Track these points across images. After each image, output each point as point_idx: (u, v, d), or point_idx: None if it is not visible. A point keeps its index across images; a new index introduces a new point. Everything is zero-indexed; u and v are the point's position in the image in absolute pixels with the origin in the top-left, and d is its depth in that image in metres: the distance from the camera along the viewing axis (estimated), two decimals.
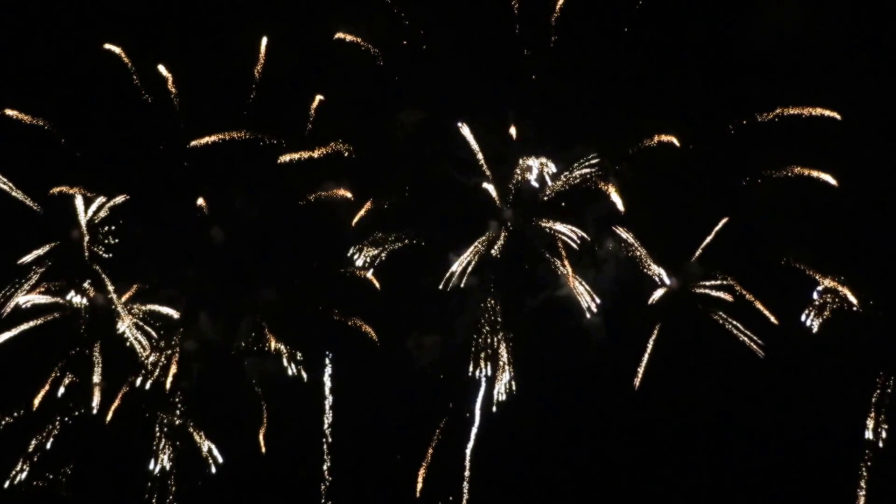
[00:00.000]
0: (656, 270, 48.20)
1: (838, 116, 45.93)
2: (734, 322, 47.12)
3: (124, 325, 49.20)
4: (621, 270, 49.37)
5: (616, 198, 48.68)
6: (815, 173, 46.65)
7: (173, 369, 49.02)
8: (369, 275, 50.27)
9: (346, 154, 50.65)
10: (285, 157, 50.01)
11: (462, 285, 48.58)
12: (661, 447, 48.95)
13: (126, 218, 50.71)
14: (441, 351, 49.82)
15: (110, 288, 49.62)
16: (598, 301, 47.89)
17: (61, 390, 48.86)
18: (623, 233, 48.95)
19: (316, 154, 50.29)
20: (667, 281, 48.05)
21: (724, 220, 47.55)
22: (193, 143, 49.70)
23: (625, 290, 49.20)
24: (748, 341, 46.73)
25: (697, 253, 48.14)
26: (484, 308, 49.32)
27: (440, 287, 48.66)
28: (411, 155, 51.78)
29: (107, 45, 49.30)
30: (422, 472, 48.01)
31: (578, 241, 48.50)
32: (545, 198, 50.03)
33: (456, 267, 48.70)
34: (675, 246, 48.63)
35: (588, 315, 47.95)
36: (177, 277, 50.66)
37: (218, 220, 50.98)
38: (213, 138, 49.69)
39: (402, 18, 51.68)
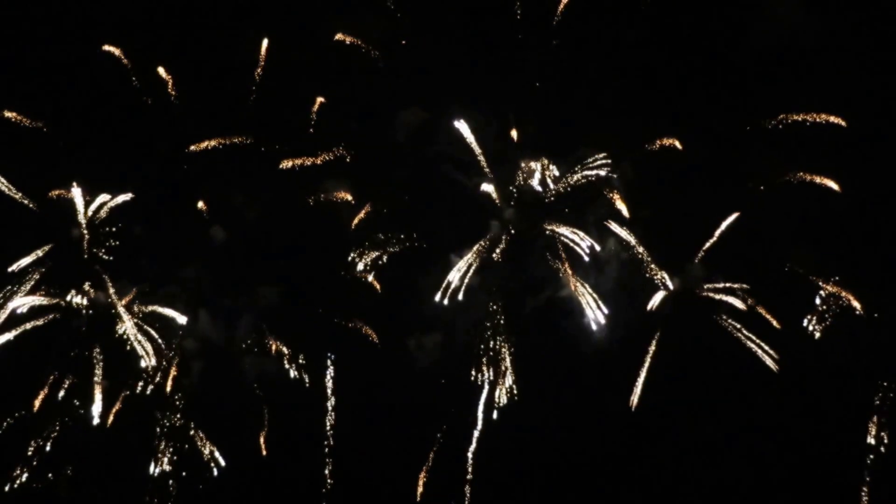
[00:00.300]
0: (659, 274, 47.99)
1: (843, 123, 45.78)
2: (739, 326, 46.90)
3: (125, 327, 48.96)
4: (624, 273, 49.12)
5: (619, 201, 48.46)
6: (818, 179, 46.50)
7: (174, 371, 48.85)
8: (370, 277, 50.09)
9: (347, 159, 50.46)
10: (287, 163, 49.82)
11: (461, 297, 48.29)
12: (663, 450, 48.73)
13: (126, 219, 50.47)
14: (443, 353, 49.62)
15: (111, 289, 49.35)
16: (604, 311, 47.61)
17: (61, 393, 48.55)
18: (626, 234, 48.72)
19: (318, 158, 50.12)
20: (670, 285, 47.86)
21: (732, 217, 47.26)
22: (193, 147, 49.51)
23: (628, 293, 48.92)
24: (761, 353, 46.47)
25: (700, 256, 47.93)
26: (486, 310, 49.13)
27: (437, 299, 48.30)
28: (412, 156, 51.65)
29: (106, 47, 49.09)
30: (422, 475, 47.85)
31: (586, 250, 48.24)
32: (547, 199, 49.82)
33: (455, 274, 48.43)
34: (677, 249, 48.40)
35: (594, 327, 47.71)
36: (177, 278, 50.37)
37: (218, 221, 50.79)
38: (214, 142, 49.50)
39: (403, 19, 51.49)
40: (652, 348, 47.72)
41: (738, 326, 46.98)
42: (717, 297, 47.67)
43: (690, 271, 48.34)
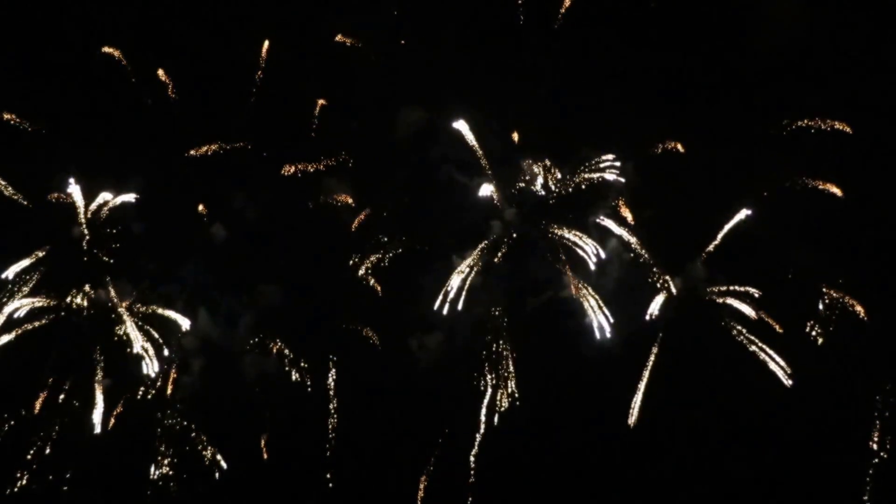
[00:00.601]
0: (662, 278, 47.70)
1: (848, 129, 45.56)
2: (743, 331, 46.58)
3: (125, 327, 48.69)
4: (628, 276, 48.77)
5: (622, 204, 48.25)
6: (821, 184, 46.29)
7: (173, 374, 48.65)
8: (372, 279, 49.91)
9: (350, 164, 50.27)
10: (290, 169, 49.72)
11: (461, 304, 47.98)
12: (665, 452, 48.43)
13: (127, 220, 50.29)
14: (445, 356, 49.22)
15: (111, 291, 49.13)
16: (608, 315, 47.22)
17: (62, 396, 48.30)
18: (628, 236, 48.44)
19: (320, 163, 50.00)
20: (673, 289, 47.58)
21: (735, 219, 46.88)
22: (193, 151, 49.36)
23: (631, 296, 48.54)
24: (772, 364, 46.05)
25: (703, 259, 47.72)
26: (488, 313, 48.87)
27: (437, 307, 48.02)
28: (414, 157, 51.43)
29: (105, 49, 48.92)
30: (423, 478, 47.62)
31: (590, 253, 47.89)
32: (550, 201, 49.60)
33: (456, 278, 48.14)
34: (680, 252, 48.16)
35: (598, 336, 47.24)
36: (178, 281, 50.12)
37: (219, 224, 50.61)
38: (215, 147, 49.37)
39: (404, 20, 51.31)
40: (654, 351, 47.40)
41: (743, 331, 46.69)
42: (721, 300, 47.39)
43: (693, 274, 48.05)
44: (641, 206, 49.05)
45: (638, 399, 46.67)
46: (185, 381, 49.23)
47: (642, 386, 46.85)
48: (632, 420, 46.52)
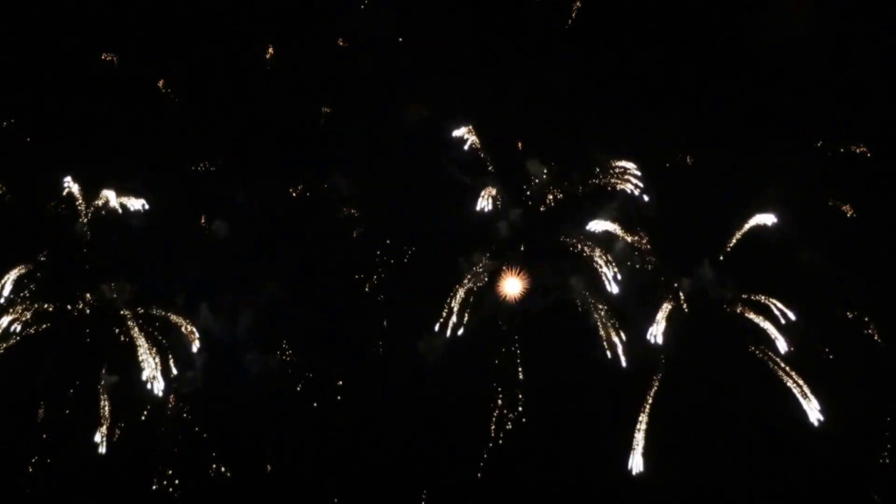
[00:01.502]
0: (669, 290, 47.29)
1: (868, 153, 45.10)
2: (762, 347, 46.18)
3: (129, 333, 48.31)
4: (634, 282, 48.29)
5: (633, 214, 47.83)
6: (832, 202, 45.89)
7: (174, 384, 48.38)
8: (375, 283, 49.44)
9: (353, 167, 49.75)
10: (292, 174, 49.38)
11: (465, 318, 47.39)
12: (670, 457, 48.10)
13: (129, 220, 49.80)
14: (451, 365, 48.72)
15: (114, 294, 48.71)
16: (623, 338, 46.58)
17: (63, 403, 47.97)
18: (636, 242, 47.95)
19: (323, 166, 49.53)
20: (684, 305, 47.12)
21: (745, 227, 46.38)
22: (193, 167, 48.91)
23: (641, 303, 47.98)
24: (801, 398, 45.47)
25: (712, 269, 47.28)
26: (495, 322, 48.45)
27: (440, 320, 47.45)
28: (418, 159, 50.90)
29: (106, 55, 48.44)
30: (425, 492, 47.39)
31: (597, 259, 47.32)
32: (555, 204, 49.11)
33: (461, 289, 47.68)
34: (690, 261, 47.68)
35: (609, 355, 46.57)
36: (180, 289, 49.62)
37: (220, 231, 50.22)
38: (217, 156, 48.99)
39: (408, 20, 50.73)
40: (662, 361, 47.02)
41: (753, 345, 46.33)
42: (731, 308, 46.95)
43: (704, 280, 47.57)
44: (650, 213, 48.57)
45: (641, 438, 46.09)
46: (186, 384, 48.81)
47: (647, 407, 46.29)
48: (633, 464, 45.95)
